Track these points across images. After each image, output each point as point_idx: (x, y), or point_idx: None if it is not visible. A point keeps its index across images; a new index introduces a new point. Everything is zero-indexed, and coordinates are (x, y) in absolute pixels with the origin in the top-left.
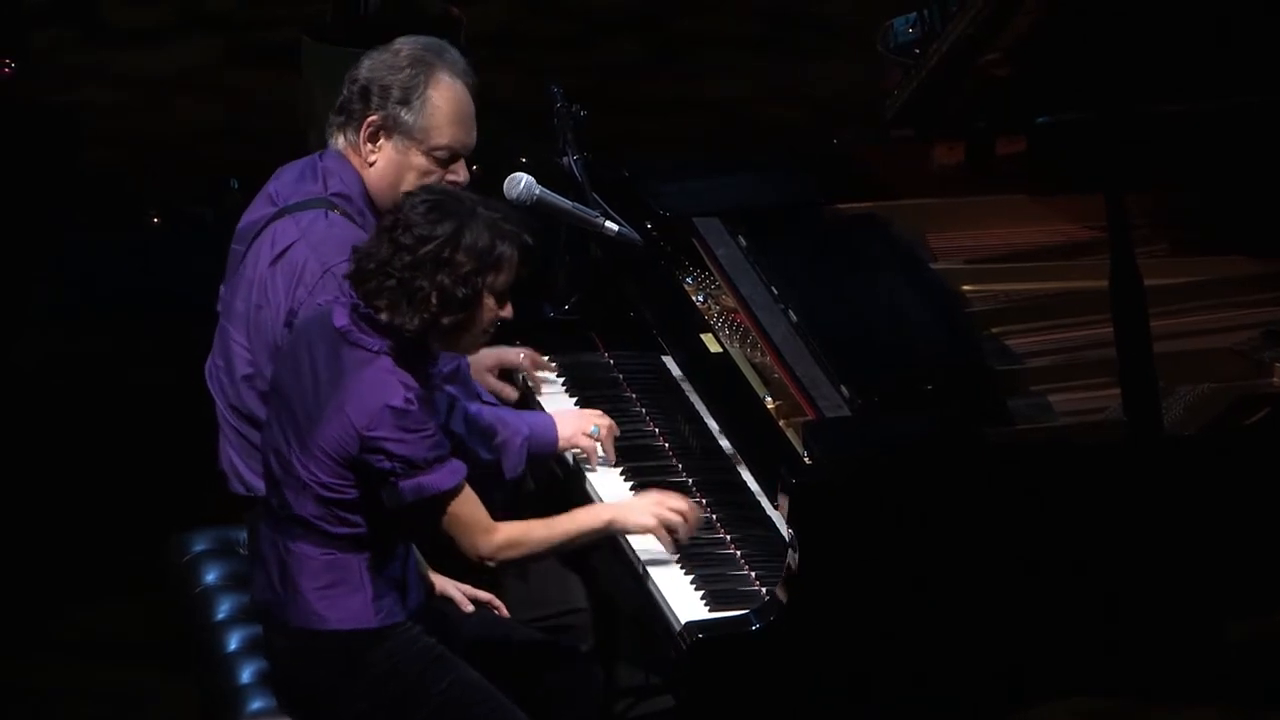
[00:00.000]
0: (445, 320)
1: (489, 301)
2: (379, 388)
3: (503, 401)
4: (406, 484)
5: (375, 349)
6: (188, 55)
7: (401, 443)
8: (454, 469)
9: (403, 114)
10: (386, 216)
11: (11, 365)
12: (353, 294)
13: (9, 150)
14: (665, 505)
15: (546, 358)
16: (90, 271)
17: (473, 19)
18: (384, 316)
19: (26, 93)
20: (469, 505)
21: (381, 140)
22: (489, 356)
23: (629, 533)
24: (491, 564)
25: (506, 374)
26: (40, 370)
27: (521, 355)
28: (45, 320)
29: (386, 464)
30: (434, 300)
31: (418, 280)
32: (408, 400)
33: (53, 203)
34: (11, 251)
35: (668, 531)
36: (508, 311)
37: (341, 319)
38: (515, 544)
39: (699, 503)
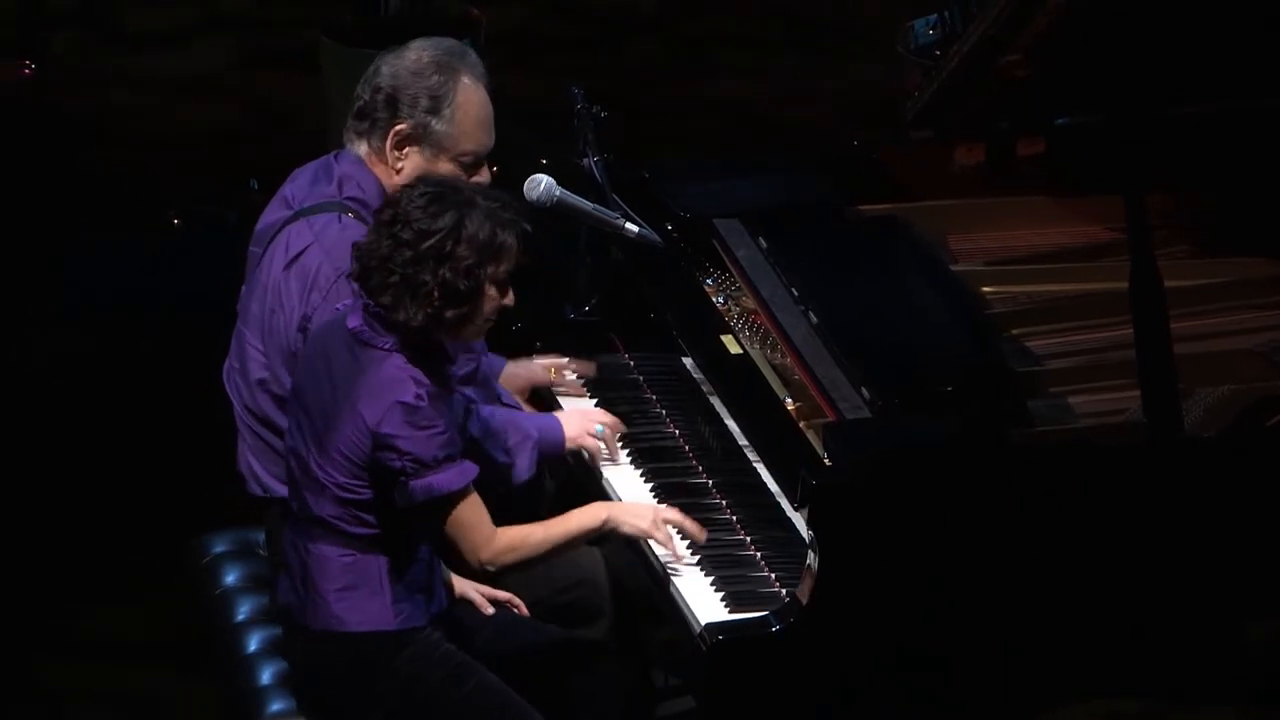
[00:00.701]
0: (449, 313)
1: (491, 291)
2: (390, 385)
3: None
4: (417, 484)
5: (386, 346)
6: (205, 57)
7: (411, 440)
8: (464, 470)
9: (433, 123)
10: (385, 210)
11: (34, 367)
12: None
13: (28, 152)
14: (662, 513)
15: (566, 359)
16: (110, 272)
17: (490, 20)
18: (387, 312)
19: (45, 95)
20: (474, 508)
21: (408, 148)
22: (519, 378)
23: (624, 533)
24: (491, 569)
25: (535, 393)
26: (63, 371)
27: (553, 372)
28: (67, 321)
29: (397, 462)
30: (437, 294)
31: (420, 275)
32: (418, 397)
33: (71, 204)
34: (31, 254)
35: (661, 540)
36: (509, 299)
37: (355, 320)
38: (514, 548)
39: (719, 504)
